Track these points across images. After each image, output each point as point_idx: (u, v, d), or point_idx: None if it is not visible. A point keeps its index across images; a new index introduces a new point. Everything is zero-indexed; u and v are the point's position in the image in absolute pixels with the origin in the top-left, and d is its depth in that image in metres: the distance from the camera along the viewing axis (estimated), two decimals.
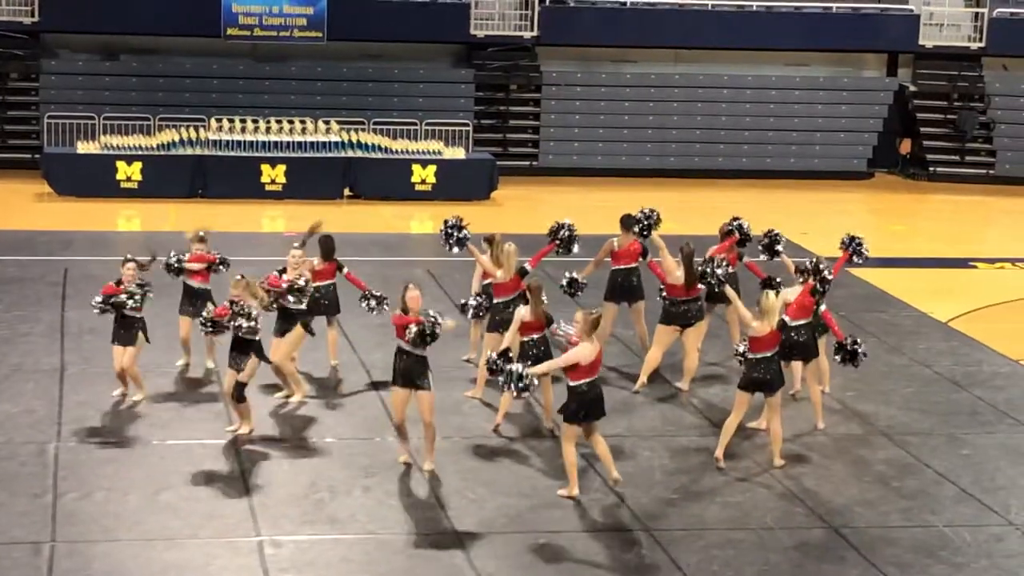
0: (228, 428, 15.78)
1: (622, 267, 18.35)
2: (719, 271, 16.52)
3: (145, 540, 12.99)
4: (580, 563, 12.95)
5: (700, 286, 17.13)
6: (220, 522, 13.46)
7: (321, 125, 31.22)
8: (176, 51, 34.41)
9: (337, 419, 16.43)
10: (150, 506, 13.71)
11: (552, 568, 12.83)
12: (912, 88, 37.23)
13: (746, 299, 16.43)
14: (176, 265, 17.50)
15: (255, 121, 31.15)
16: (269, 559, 12.75)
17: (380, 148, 31.26)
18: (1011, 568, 13.18)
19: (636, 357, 18.77)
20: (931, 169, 36.65)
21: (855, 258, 18.04)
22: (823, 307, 16.44)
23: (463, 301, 18.05)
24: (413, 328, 14.29)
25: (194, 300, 17.40)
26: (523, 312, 15.59)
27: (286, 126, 31.04)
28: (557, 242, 17.66)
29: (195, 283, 17.59)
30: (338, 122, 31.66)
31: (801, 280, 16.44)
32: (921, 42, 36.58)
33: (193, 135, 30.67)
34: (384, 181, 30.85)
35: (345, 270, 17.76)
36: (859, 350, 16.22)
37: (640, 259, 18.30)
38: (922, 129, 37.08)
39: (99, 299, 16.26)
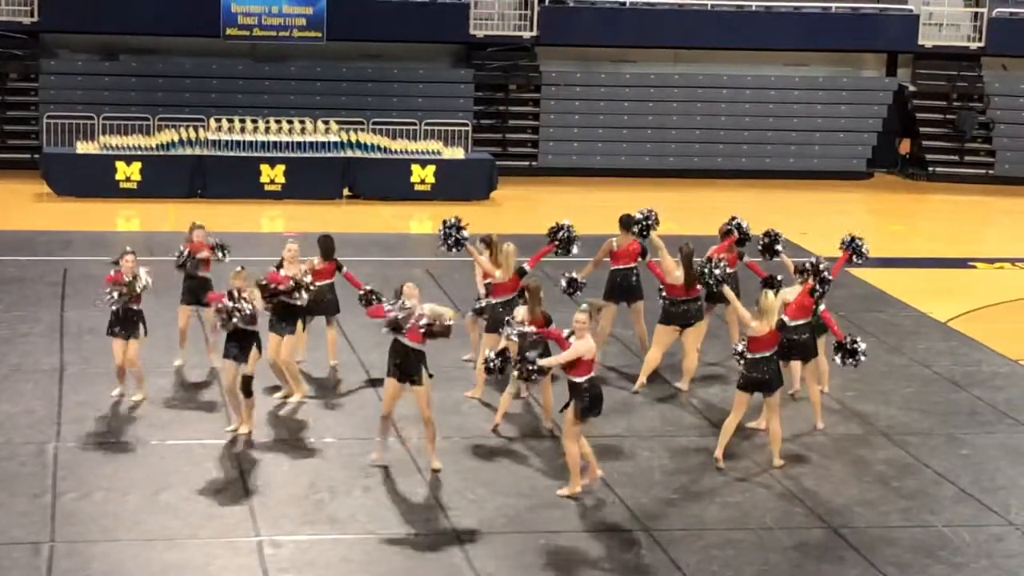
0: (228, 428, 15.78)
1: (621, 267, 18.36)
2: (717, 271, 16.52)
3: (145, 540, 12.99)
4: (580, 563, 12.95)
5: (699, 286, 17.15)
6: (220, 522, 13.46)
7: (320, 125, 31.19)
8: (175, 51, 34.36)
9: (337, 419, 16.43)
10: (150, 506, 13.70)
11: (552, 568, 12.83)
12: (911, 88, 37.18)
13: (748, 299, 16.43)
14: (188, 258, 17.52)
15: (254, 121, 31.11)
16: (269, 559, 12.75)
17: (379, 148, 31.22)
18: (1011, 568, 13.19)
19: (635, 357, 18.76)
20: (930, 169, 36.59)
21: (855, 258, 18.05)
22: (822, 307, 16.46)
23: (477, 306, 17.77)
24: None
25: (196, 290, 17.46)
26: (522, 312, 15.59)
27: (285, 126, 31.01)
28: (556, 243, 17.67)
29: (201, 273, 17.67)
30: (337, 122, 31.62)
31: (800, 280, 16.45)
32: (920, 42, 36.53)
33: (192, 135, 30.64)
34: (383, 181, 30.83)
35: (344, 270, 17.78)
36: (859, 349, 16.22)
37: (639, 259, 18.31)
38: (921, 129, 37.02)
39: (108, 288, 16.21)
